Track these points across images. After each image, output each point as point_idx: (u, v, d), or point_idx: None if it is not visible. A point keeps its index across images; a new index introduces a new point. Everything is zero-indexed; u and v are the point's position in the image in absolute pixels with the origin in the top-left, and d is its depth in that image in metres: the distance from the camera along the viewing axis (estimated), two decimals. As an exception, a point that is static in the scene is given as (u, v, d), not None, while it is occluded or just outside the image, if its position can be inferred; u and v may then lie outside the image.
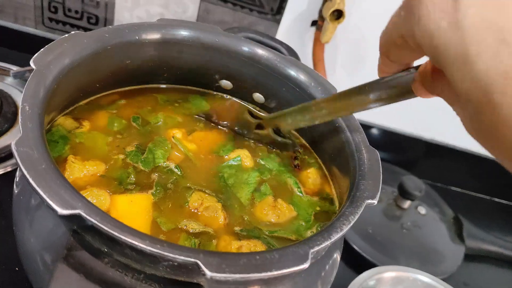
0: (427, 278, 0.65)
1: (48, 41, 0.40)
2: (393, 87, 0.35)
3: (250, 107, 0.52)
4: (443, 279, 0.67)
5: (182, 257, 0.27)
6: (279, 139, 0.51)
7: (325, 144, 0.50)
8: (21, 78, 0.72)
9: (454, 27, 0.25)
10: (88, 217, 0.27)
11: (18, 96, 0.70)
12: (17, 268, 0.51)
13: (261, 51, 0.51)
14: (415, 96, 0.34)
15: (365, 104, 0.38)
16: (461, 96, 0.26)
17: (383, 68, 0.35)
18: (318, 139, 0.52)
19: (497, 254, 0.85)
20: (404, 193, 0.80)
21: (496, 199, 1.05)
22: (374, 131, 0.98)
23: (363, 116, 0.95)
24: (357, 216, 0.35)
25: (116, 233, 0.27)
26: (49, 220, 0.36)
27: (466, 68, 0.25)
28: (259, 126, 0.51)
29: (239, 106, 0.53)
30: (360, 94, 0.38)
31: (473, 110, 0.25)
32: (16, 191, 0.41)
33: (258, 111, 0.52)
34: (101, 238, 0.30)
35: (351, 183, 0.40)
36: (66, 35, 0.41)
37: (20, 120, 0.32)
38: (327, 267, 0.41)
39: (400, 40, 0.30)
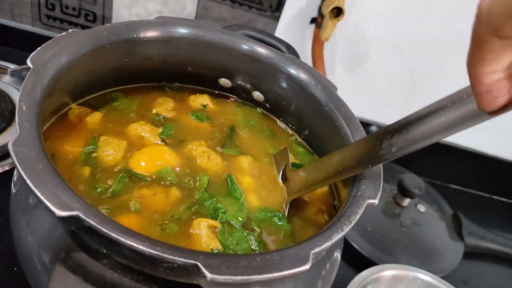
0: (426, 277, 0.65)
1: (45, 38, 0.40)
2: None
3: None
4: (443, 277, 0.66)
5: (182, 259, 0.27)
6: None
7: (325, 143, 0.50)
8: (19, 76, 0.71)
9: None
10: (86, 219, 0.27)
11: (15, 95, 0.70)
12: (15, 268, 0.51)
13: (260, 49, 0.51)
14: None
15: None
16: None
17: (486, 58, 0.24)
18: (317, 138, 0.51)
19: (496, 252, 0.85)
20: (403, 191, 0.80)
21: (495, 197, 1.05)
22: (374, 128, 0.97)
23: (362, 113, 0.94)
24: (358, 217, 0.34)
25: (114, 235, 0.27)
26: (47, 220, 0.35)
27: None
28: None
29: None
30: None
31: None
32: (13, 191, 0.41)
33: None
34: (99, 239, 0.30)
35: (352, 182, 0.40)
36: (64, 33, 0.41)
37: (17, 119, 0.32)
38: (327, 266, 0.41)
39: None
